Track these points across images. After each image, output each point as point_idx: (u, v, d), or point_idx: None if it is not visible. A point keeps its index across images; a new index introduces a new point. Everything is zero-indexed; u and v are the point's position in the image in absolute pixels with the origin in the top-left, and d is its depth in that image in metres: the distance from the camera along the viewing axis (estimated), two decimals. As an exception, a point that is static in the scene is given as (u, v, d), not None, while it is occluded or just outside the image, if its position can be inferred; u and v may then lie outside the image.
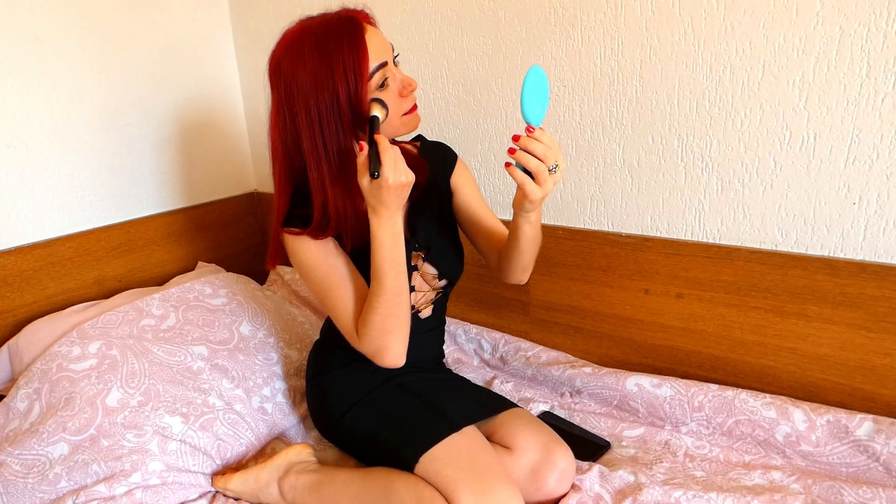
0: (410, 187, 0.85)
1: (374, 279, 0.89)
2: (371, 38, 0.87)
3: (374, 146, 0.82)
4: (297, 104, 0.86)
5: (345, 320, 0.94)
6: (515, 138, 0.80)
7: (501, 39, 1.26)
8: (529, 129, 0.81)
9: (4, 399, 1.10)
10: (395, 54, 0.91)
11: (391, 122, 0.90)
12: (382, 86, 0.88)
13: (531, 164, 0.80)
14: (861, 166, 0.97)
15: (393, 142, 1.06)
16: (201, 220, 1.68)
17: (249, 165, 1.83)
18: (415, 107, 0.93)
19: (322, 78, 0.84)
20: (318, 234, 0.93)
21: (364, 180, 0.83)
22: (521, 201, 0.87)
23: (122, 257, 1.49)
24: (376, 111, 0.87)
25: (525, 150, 0.80)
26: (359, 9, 0.91)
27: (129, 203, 1.52)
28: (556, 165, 0.82)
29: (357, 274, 0.96)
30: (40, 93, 1.32)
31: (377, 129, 0.86)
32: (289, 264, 1.75)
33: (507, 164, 0.82)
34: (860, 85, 0.94)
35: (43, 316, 1.30)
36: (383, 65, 0.87)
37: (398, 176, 0.81)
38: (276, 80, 0.88)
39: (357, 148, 0.89)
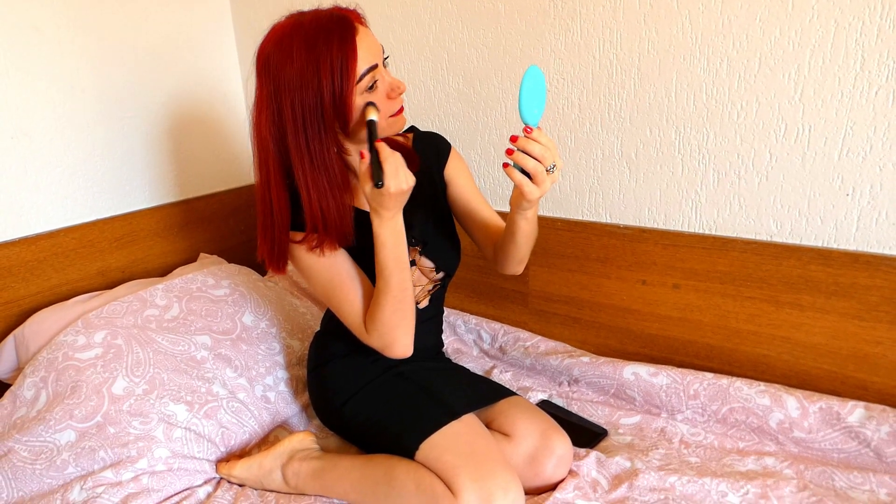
0: (411, 190, 0.86)
1: (379, 277, 0.91)
2: (362, 39, 0.86)
3: (375, 154, 0.83)
4: (283, 100, 0.86)
5: (353, 318, 0.97)
6: (513, 139, 0.81)
7: (501, 32, 1.27)
8: (527, 129, 0.81)
9: (11, 387, 1.11)
10: (385, 56, 0.91)
11: (378, 123, 0.89)
12: (371, 88, 0.88)
13: (529, 164, 0.80)
14: (855, 158, 0.99)
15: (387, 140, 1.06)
16: (203, 211, 1.69)
17: (250, 157, 1.84)
18: (402, 109, 0.94)
19: (308, 75, 0.84)
20: (317, 242, 0.93)
21: (367, 188, 0.84)
22: (518, 200, 0.87)
23: (125, 248, 1.50)
24: (372, 115, 0.87)
25: (523, 151, 0.80)
26: (351, 8, 0.91)
27: (132, 195, 1.53)
28: (554, 165, 0.82)
29: (360, 271, 0.97)
30: (41, 85, 1.33)
31: (376, 135, 0.87)
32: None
33: (505, 165, 0.82)
34: (854, 77, 0.95)
35: (48, 306, 1.31)
36: (373, 67, 0.87)
37: (399, 183, 0.83)
38: (263, 74, 0.88)
39: (344, 150, 0.91)
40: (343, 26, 0.85)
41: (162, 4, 1.53)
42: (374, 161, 0.83)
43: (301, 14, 0.88)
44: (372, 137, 0.86)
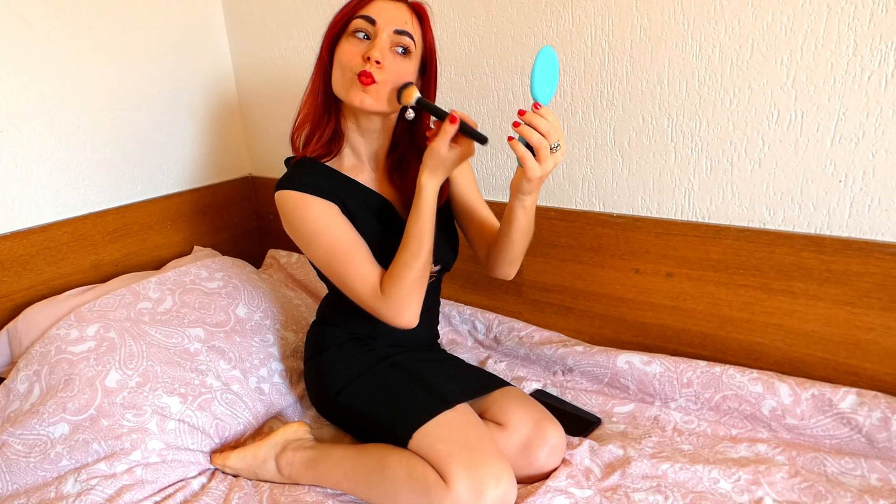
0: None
1: (413, 238, 0.91)
2: (387, 3, 0.92)
3: (462, 123, 0.85)
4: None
5: (361, 282, 0.93)
6: (521, 113, 0.81)
7: (492, 21, 1.26)
8: (536, 105, 0.82)
9: (5, 381, 1.12)
10: (399, 34, 0.91)
11: (342, 75, 0.92)
12: (364, 37, 0.91)
13: (534, 138, 0.81)
14: (847, 144, 0.98)
15: (415, 130, 1.07)
16: (196, 204, 1.69)
17: (244, 150, 1.84)
18: (365, 77, 0.89)
19: (340, 10, 0.94)
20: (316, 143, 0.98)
21: (441, 146, 0.86)
22: (519, 181, 0.88)
23: (117, 242, 1.50)
24: (415, 93, 0.90)
25: (529, 125, 0.81)
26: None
27: (124, 188, 1.53)
28: (558, 145, 0.83)
29: (362, 238, 0.96)
30: (31, 77, 1.32)
31: (431, 107, 0.89)
32: (285, 246, 1.77)
33: (510, 139, 0.83)
34: (847, 63, 0.94)
35: (41, 300, 1.31)
36: (369, 20, 0.91)
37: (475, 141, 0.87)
38: None
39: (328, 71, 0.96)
40: None
41: (151, -5, 1.52)
42: (463, 125, 0.85)
43: None
44: (436, 109, 0.88)
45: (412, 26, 0.93)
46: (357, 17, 0.91)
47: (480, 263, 1.10)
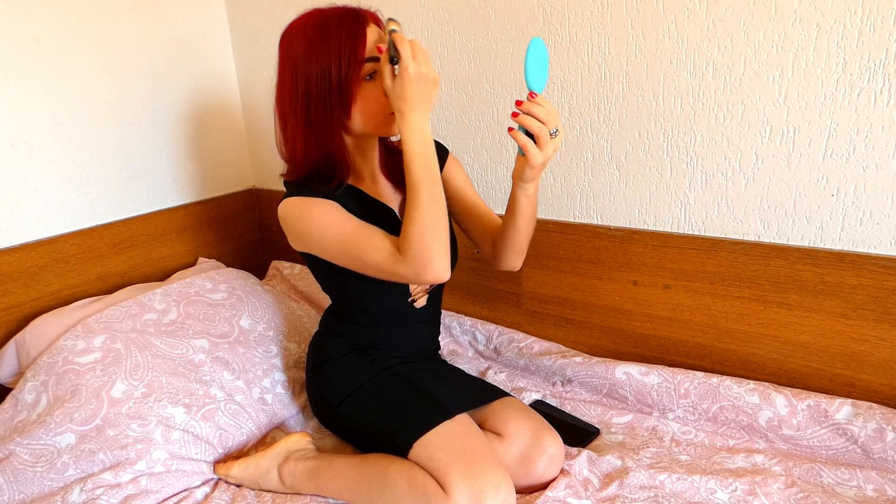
0: (437, 85, 0.87)
1: (410, 189, 0.89)
2: (372, 33, 0.91)
3: (392, 45, 0.85)
4: (292, 70, 0.92)
5: (380, 253, 0.91)
6: (518, 103, 0.84)
7: (492, 38, 1.29)
8: (532, 94, 0.84)
9: (12, 391, 1.13)
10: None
11: (375, 118, 0.93)
12: (371, 77, 0.92)
13: (534, 126, 0.83)
14: (839, 159, 1.00)
15: (385, 141, 1.09)
16: (201, 216, 1.71)
17: (248, 162, 1.86)
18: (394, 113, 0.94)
19: (318, 50, 0.89)
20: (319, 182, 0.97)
21: (388, 79, 0.86)
22: (521, 170, 0.90)
23: (124, 253, 1.52)
24: (393, 26, 0.88)
25: (528, 114, 0.83)
26: (371, 10, 0.96)
27: (130, 200, 1.55)
28: (557, 130, 0.85)
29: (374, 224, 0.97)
30: (41, 93, 1.35)
31: (390, 39, 0.87)
32: (288, 257, 1.79)
33: (511, 129, 0.86)
34: (837, 80, 0.97)
35: (48, 311, 1.33)
36: (376, 60, 0.91)
37: (419, 66, 0.83)
38: (280, 50, 0.95)
39: (343, 136, 0.94)
40: (356, 17, 0.91)
41: (160, 13, 1.55)
42: (391, 47, 0.84)
43: (321, 7, 0.94)
44: (389, 38, 0.86)
45: None
46: (368, 62, 0.90)
47: (486, 258, 1.11)
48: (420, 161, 0.87)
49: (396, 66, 0.84)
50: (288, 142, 0.97)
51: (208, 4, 1.68)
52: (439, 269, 0.87)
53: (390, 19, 0.89)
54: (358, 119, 0.94)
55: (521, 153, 0.87)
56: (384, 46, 0.88)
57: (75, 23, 1.39)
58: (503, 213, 1.02)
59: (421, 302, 1.12)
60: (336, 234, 0.94)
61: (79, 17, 1.39)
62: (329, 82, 0.90)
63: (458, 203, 1.11)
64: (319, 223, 0.95)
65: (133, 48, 1.50)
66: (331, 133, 0.95)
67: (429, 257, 0.87)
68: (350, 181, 1.05)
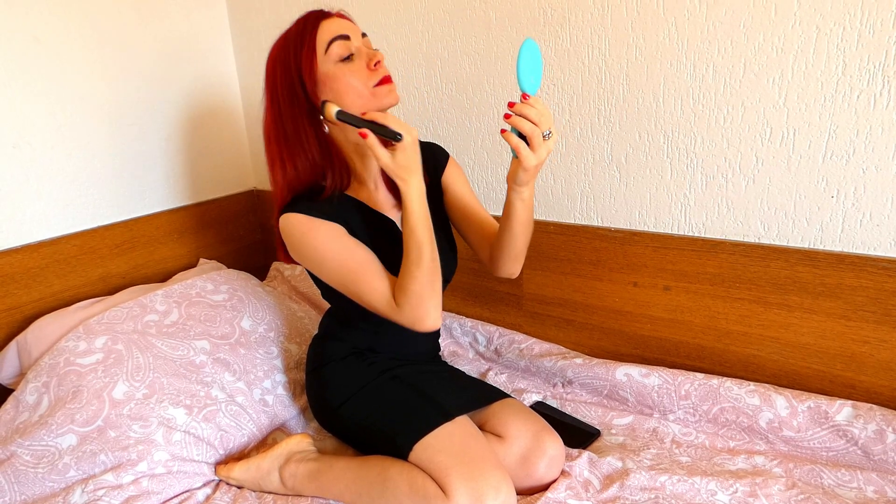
0: (418, 144, 0.89)
1: (412, 248, 0.90)
2: (332, 21, 0.93)
3: (371, 124, 0.86)
4: (271, 88, 0.95)
5: (378, 297, 0.94)
6: (511, 105, 0.83)
7: (493, 40, 1.30)
8: (524, 96, 0.84)
9: (14, 392, 1.14)
10: (365, 38, 0.96)
11: (361, 93, 0.93)
12: (348, 59, 0.92)
13: (526, 127, 0.83)
14: (838, 161, 1.00)
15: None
16: (202, 217, 1.71)
17: (249, 163, 1.87)
18: (387, 79, 0.94)
19: (282, 58, 0.92)
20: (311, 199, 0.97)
21: (386, 157, 0.87)
22: (514, 172, 0.90)
23: (125, 255, 1.53)
24: (333, 108, 0.90)
25: (520, 116, 0.83)
26: (335, 10, 0.97)
27: (132, 201, 1.56)
28: (550, 133, 0.85)
29: (368, 248, 0.97)
30: (42, 94, 1.35)
31: (355, 114, 0.89)
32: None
33: (503, 131, 0.85)
34: (836, 82, 0.97)
35: (50, 312, 1.33)
36: (343, 37, 0.92)
37: (410, 130, 0.86)
38: (266, 72, 0.97)
39: (321, 127, 0.95)
40: (313, 15, 0.94)
41: (161, 14, 1.56)
42: (376, 127, 0.85)
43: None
44: (353, 119, 0.88)
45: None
46: (333, 42, 0.91)
47: (484, 265, 1.11)
48: (423, 223, 0.90)
49: (397, 142, 0.85)
50: (273, 168, 0.98)
51: (209, 5, 1.68)
52: (432, 320, 0.92)
53: (324, 103, 0.91)
54: (353, 98, 0.93)
55: (515, 155, 0.86)
56: (367, 131, 0.87)
57: (76, 24, 1.39)
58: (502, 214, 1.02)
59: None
60: (337, 266, 0.95)
61: (80, 18, 1.40)
62: (291, 79, 0.92)
63: (456, 208, 1.11)
64: (322, 250, 0.95)
65: (134, 49, 1.51)
66: (307, 137, 0.95)
67: (424, 312, 0.91)
68: (352, 189, 1.04)
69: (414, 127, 0.88)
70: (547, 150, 0.85)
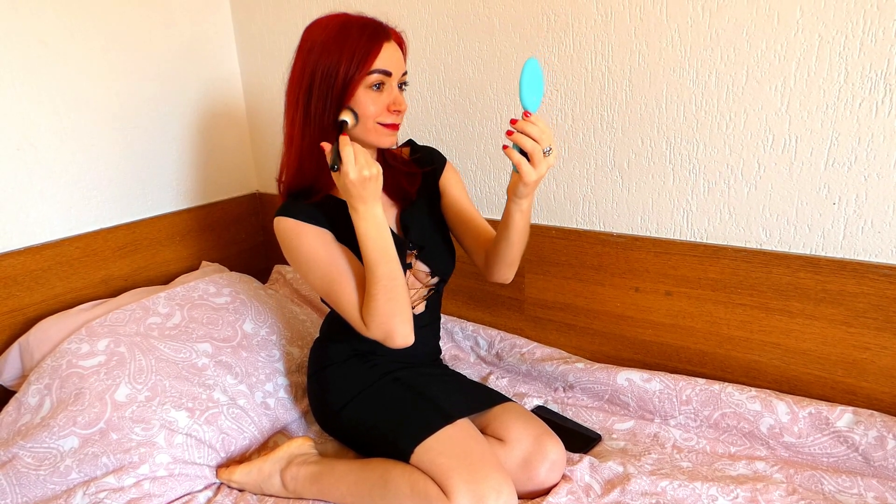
0: (380, 179, 0.90)
1: (367, 269, 0.93)
2: (389, 48, 0.94)
3: (336, 144, 0.89)
4: (307, 59, 0.94)
5: (351, 311, 0.96)
6: (513, 122, 0.85)
7: (496, 45, 1.30)
8: (526, 114, 0.86)
9: (16, 394, 1.14)
10: (404, 76, 0.97)
11: (365, 123, 0.95)
12: (378, 88, 0.94)
13: (527, 144, 0.85)
14: (840, 168, 1.01)
15: (382, 153, 1.10)
16: (205, 220, 1.72)
17: (251, 166, 1.87)
18: (395, 126, 0.97)
19: (333, 48, 0.92)
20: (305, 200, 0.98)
21: (339, 181, 0.89)
22: (515, 186, 0.91)
23: (127, 257, 1.53)
24: (346, 116, 0.92)
25: (522, 133, 0.85)
26: (398, 30, 0.98)
27: (135, 204, 1.56)
28: (550, 149, 0.86)
29: (357, 263, 0.99)
30: (46, 96, 1.36)
31: (342, 132, 0.91)
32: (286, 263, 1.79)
33: (505, 147, 0.87)
34: (838, 90, 0.97)
35: (52, 314, 1.33)
36: (387, 73, 0.93)
37: (359, 170, 0.87)
38: (301, 38, 0.97)
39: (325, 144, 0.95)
40: (378, 29, 0.94)
41: (165, 18, 1.56)
42: (335, 149, 0.88)
43: (351, 12, 0.97)
44: (337, 131, 0.91)
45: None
46: (374, 73, 0.93)
47: (478, 269, 1.12)
48: (373, 245, 0.92)
49: (333, 171, 0.88)
50: (286, 131, 0.99)
51: (214, 9, 1.69)
52: (402, 335, 0.94)
53: (347, 108, 0.92)
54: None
55: (516, 170, 0.88)
56: (328, 145, 0.90)
57: (82, 27, 1.40)
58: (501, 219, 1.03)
59: (419, 308, 1.12)
60: (320, 275, 0.98)
61: (85, 22, 1.40)
62: (334, 78, 0.92)
63: (452, 212, 1.12)
64: (307, 257, 0.98)
65: (139, 52, 1.51)
66: (324, 128, 0.96)
67: (392, 328, 0.93)
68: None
69: (376, 165, 0.89)
70: (547, 166, 0.87)
